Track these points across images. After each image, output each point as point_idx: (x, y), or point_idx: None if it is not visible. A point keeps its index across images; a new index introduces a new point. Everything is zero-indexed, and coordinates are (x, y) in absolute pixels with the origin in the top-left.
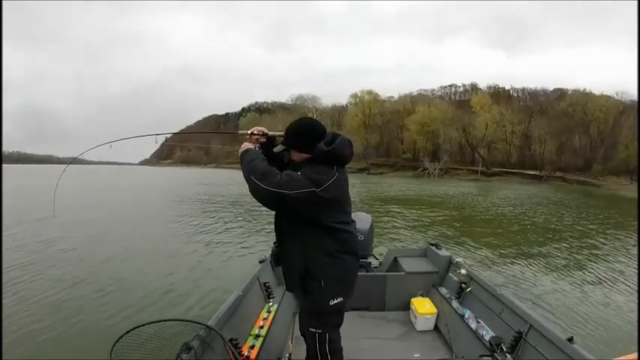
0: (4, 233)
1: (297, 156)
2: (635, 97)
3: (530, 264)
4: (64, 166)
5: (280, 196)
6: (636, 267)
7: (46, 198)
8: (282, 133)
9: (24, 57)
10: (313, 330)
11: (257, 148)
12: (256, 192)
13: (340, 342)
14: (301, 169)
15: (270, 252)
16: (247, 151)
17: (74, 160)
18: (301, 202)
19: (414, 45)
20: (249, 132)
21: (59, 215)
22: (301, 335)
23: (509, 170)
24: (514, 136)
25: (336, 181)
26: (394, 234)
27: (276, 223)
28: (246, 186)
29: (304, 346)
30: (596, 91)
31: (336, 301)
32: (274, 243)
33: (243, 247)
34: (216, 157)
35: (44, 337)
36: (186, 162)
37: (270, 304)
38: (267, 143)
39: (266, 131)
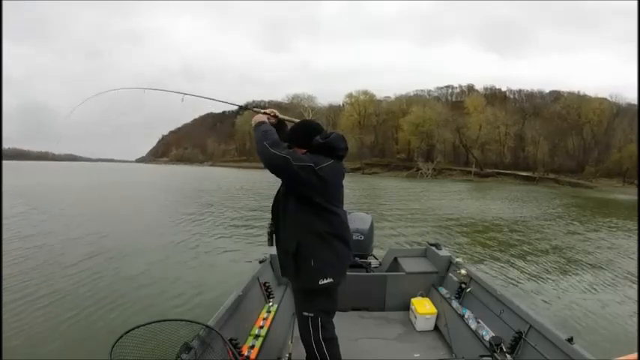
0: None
1: (299, 152)
2: (630, 100)
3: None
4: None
5: (286, 162)
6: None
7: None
8: (291, 118)
9: (19, 54)
10: (306, 314)
11: None
12: (266, 155)
13: (334, 331)
14: None
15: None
16: (262, 122)
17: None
18: (301, 174)
19: (412, 47)
20: (263, 111)
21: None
22: (299, 336)
23: (502, 171)
24: (508, 138)
25: (332, 166)
26: (387, 235)
27: (273, 206)
28: (245, 183)
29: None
30: (591, 94)
31: (325, 282)
32: (269, 224)
33: (243, 247)
34: (211, 155)
35: (43, 338)
36: (181, 160)
37: (270, 304)
38: (276, 126)
39: (277, 113)
